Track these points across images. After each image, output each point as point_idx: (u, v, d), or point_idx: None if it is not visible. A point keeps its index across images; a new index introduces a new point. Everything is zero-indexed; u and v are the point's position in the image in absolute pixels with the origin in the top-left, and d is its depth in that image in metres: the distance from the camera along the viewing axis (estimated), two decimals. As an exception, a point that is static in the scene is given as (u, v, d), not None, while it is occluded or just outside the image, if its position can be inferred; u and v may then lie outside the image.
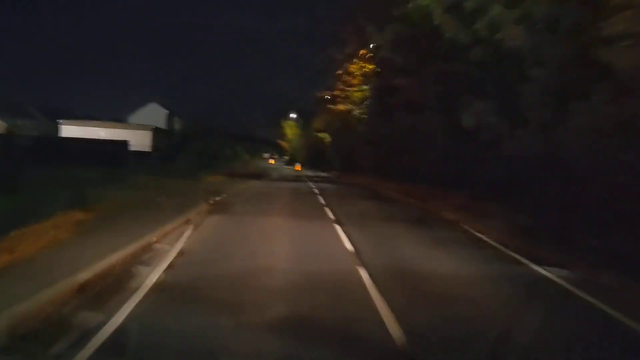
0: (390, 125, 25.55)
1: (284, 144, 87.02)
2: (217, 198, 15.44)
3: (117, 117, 59.77)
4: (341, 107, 32.50)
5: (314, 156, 61.47)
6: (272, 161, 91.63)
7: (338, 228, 9.92)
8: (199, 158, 37.10)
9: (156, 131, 44.13)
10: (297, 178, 38.00)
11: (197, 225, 9.46)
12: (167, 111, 60.22)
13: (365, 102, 29.76)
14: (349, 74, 29.73)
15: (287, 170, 60.80)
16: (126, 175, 22.14)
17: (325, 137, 52.50)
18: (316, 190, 22.11)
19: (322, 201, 16.36)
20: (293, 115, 77.83)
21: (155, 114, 58.23)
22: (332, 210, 13.28)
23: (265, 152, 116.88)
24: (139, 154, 32.18)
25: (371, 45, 27.60)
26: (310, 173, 52.21)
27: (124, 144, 30.27)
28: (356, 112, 31.29)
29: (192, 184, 21.84)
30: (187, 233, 8.55)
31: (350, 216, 12.29)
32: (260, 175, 37.44)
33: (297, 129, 76.66)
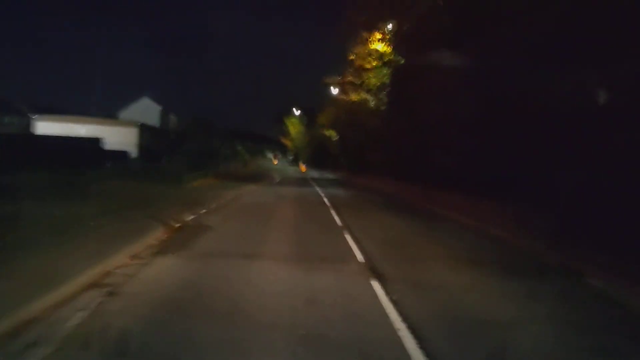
0: (415, 117, 20.91)
1: (287, 142, 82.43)
2: (190, 217, 10.89)
3: (110, 114, 55.26)
4: (353, 96, 27.69)
5: (319, 155, 56.79)
6: (275, 161, 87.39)
7: (382, 295, 5.30)
8: (193, 158, 32.70)
9: (144, 128, 39.51)
10: (301, 181, 33.51)
11: (111, 295, 4.87)
12: (161, 107, 55.64)
13: (384, 92, 24.92)
14: (363, 57, 24.95)
15: (290, 170, 56.37)
16: (89, 181, 17.82)
17: (332, 134, 47.94)
18: (326, 199, 17.52)
19: (338, 220, 11.74)
20: (297, 112, 73.44)
21: (147, 110, 53.80)
22: (356, 240, 8.67)
23: (268, 151, 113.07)
24: (118, 153, 27.76)
25: (389, 27, 22.98)
26: (315, 174, 47.72)
27: (97, 142, 25.77)
28: (371, 102, 26.51)
29: (170, 191, 17.34)
30: (69, 325, 3.97)
31: (391, 254, 7.67)
32: (260, 177, 32.96)
33: (300, 126, 72.13)
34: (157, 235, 8.34)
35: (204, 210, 12.44)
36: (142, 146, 37.84)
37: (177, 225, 9.76)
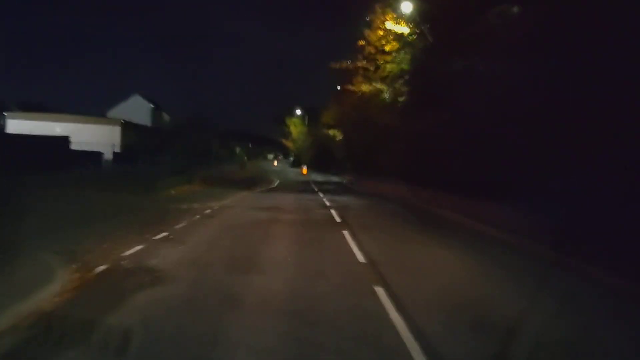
0: (441, 110, 17.06)
1: (288, 143, 78.53)
2: (133, 248, 7.06)
3: (99, 112, 51.58)
4: (364, 87, 23.75)
5: (322, 157, 52.76)
6: (275, 163, 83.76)
7: None
8: (181, 160, 28.95)
9: (129, 126, 35.57)
10: (302, 186, 29.62)
11: None
12: (152, 105, 51.89)
13: (401, 80, 20.90)
14: (378, 37, 21.08)
15: (291, 173, 52.55)
16: (35, 188, 14.13)
17: (336, 134, 44.09)
18: (335, 213, 13.61)
19: (359, 254, 7.80)
20: (299, 112, 69.70)
21: (138, 108, 50.12)
22: (401, 310, 4.80)
23: (269, 153, 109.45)
24: (90, 154, 23.94)
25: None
26: (318, 177, 43.86)
27: (64, 141, 21.94)
28: (386, 93, 22.58)
29: (132, 202, 13.54)
30: None
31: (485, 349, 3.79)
32: (256, 181, 29.05)
33: (303, 127, 68.28)
34: (37, 301, 4.50)
35: (162, 235, 8.61)
36: (127, 146, 34.09)
37: (99, 269, 5.94)
